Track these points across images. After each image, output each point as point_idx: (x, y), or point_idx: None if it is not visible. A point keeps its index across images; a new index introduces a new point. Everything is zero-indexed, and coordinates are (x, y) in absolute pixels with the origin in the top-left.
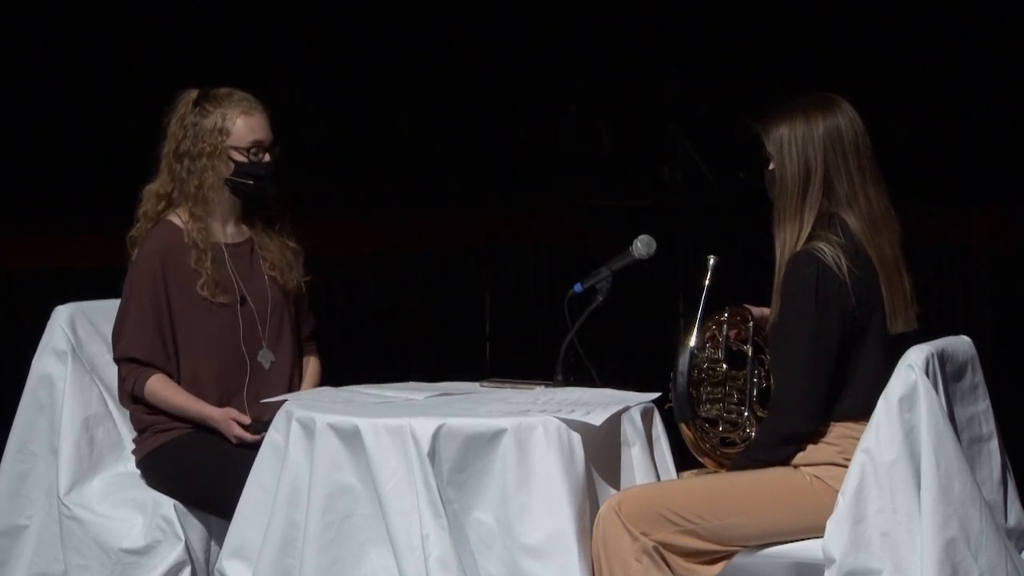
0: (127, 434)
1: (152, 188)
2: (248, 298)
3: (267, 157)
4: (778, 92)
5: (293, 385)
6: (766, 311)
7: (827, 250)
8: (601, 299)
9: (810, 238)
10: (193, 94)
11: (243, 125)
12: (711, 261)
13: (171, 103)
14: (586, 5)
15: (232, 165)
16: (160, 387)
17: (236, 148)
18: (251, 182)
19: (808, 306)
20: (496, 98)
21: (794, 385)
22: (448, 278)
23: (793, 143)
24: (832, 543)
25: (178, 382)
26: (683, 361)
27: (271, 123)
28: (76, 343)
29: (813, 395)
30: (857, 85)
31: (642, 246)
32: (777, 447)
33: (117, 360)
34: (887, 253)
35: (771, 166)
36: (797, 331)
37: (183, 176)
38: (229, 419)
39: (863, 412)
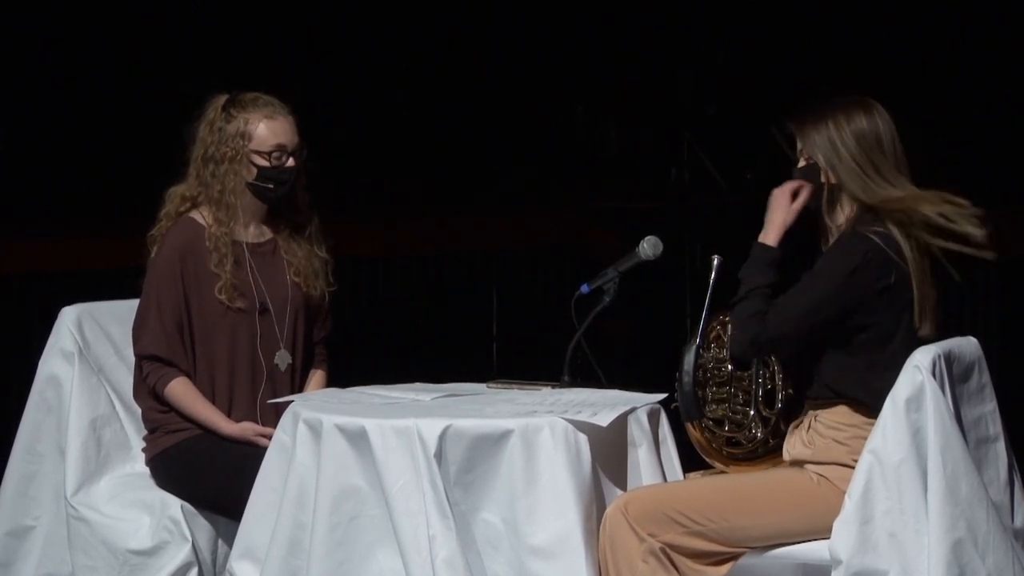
0: (134, 435)
1: (178, 190)
2: (267, 301)
3: (291, 162)
4: (784, 93)
5: (309, 386)
6: None
7: (876, 239)
8: (608, 300)
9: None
10: (222, 99)
11: (265, 129)
12: (715, 261)
13: (201, 108)
14: (594, 5)
15: (254, 170)
16: (182, 392)
17: (258, 152)
18: (272, 186)
19: (840, 272)
20: (503, 99)
21: (791, 318)
22: (455, 279)
23: (825, 144)
24: (839, 544)
25: (195, 380)
26: (688, 361)
27: (297, 128)
28: (83, 344)
29: (793, 333)
30: (864, 86)
31: (648, 247)
32: (736, 340)
33: (139, 356)
34: (917, 255)
35: (800, 163)
36: (814, 281)
37: (208, 180)
38: (254, 435)
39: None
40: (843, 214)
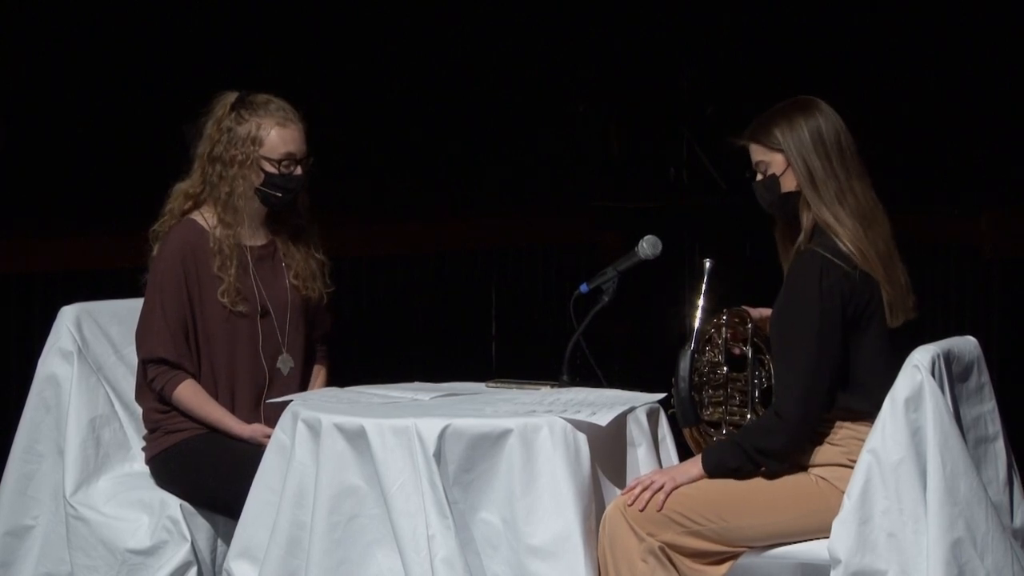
0: (133, 434)
1: (182, 187)
2: (269, 305)
3: (298, 170)
4: (786, 94)
5: (312, 386)
6: (765, 312)
7: (827, 254)
8: (607, 299)
9: (810, 240)
10: (231, 97)
11: (276, 136)
12: (707, 264)
13: (209, 104)
14: (595, 6)
15: (263, 175)
16: (190, 394)
17: (268, 159)
18: (279, 194)
19: (812, 304)
20: (504, 98)
21: (795, 389)
22: (454, 279)
23: (784, 148)
24: (838, 544)
25: (199, 382)
26: (683, 365)
27: (306, 135)
28: (82, 343)
29: (814, 396)
30: (867, 87)
31: (648, 246)
32: (786, 455)
33: (144, 359)
34: (880, 248)
35: (759, 177)
36: (799, 332)
37: (214, 181)
38: (263, 438)
39: (869, 412)
40: (806, 219)
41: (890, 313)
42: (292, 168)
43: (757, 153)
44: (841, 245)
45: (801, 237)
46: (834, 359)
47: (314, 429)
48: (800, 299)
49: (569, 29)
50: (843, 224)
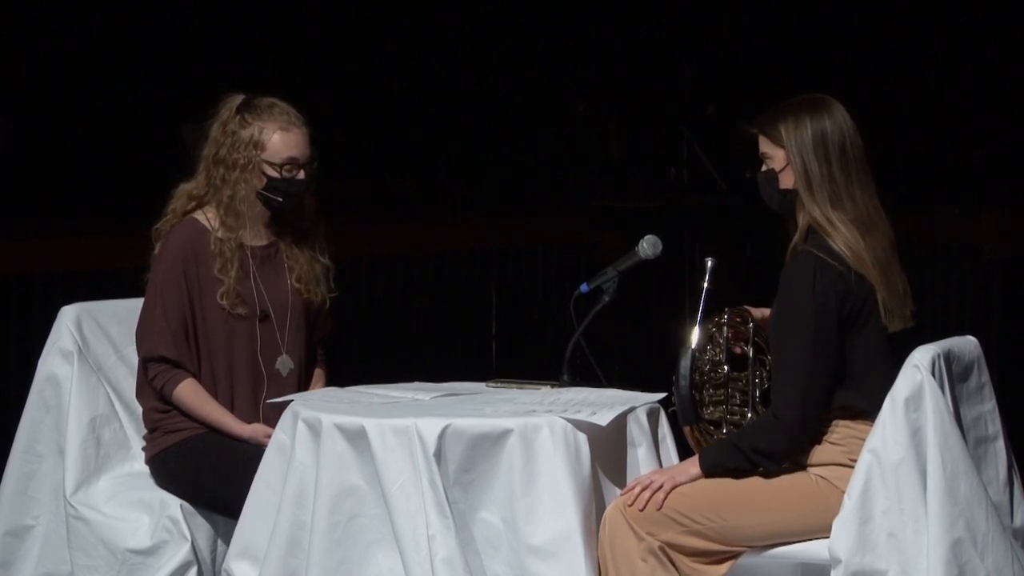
0: (134, 434)
1: (186, 188)
2: (269, 307)
3: (301, 174)
4: (786, 94)
5: (311, 388)
6: (766, 311)
7: (820, 254)
8: (607, 299)
9: (806, 240)
10: (237, 100)
11: (279, 140)
12: (709, 263)
13: (216, 107)
14: (595, 6)
15: (264, 179)
16: (191, 393)
17: (269, 163)
18: (280, 199)
19: (806, 306)
20: (504, 99)
21: (792, 390)
22: (454, 279)
23: (785, 144)
24: (838, 543)
25: (199, 382)
26: (684, 364)
27: (310, 139)
28: (82, 343)
29: (812, 397)
30: (868, 87)
31: (648, 246)
32: (784, 455)
33: (145, 358)
34: (878, 254)
35: (764, 167)
36: (794, 334)
37: (217, 184)
38: (263, 438)
39: (867, 411)
40: (801, 218)
41: (886, 315)
42: (294, 172)
43: (763, 144)
44: (834, 245)
45: (796, 237)
46: (831, 360)
47: (314, 429)
48: (795, 301)
49: (569, 29)
50: (835, 227)
